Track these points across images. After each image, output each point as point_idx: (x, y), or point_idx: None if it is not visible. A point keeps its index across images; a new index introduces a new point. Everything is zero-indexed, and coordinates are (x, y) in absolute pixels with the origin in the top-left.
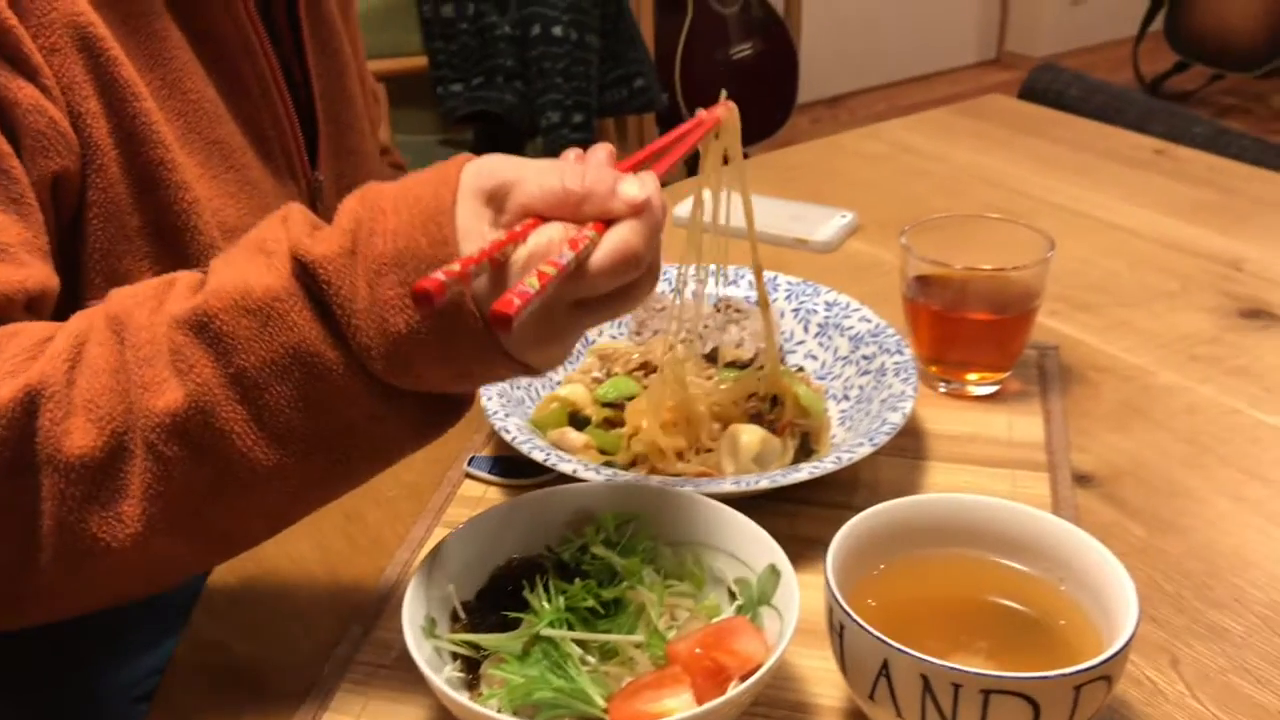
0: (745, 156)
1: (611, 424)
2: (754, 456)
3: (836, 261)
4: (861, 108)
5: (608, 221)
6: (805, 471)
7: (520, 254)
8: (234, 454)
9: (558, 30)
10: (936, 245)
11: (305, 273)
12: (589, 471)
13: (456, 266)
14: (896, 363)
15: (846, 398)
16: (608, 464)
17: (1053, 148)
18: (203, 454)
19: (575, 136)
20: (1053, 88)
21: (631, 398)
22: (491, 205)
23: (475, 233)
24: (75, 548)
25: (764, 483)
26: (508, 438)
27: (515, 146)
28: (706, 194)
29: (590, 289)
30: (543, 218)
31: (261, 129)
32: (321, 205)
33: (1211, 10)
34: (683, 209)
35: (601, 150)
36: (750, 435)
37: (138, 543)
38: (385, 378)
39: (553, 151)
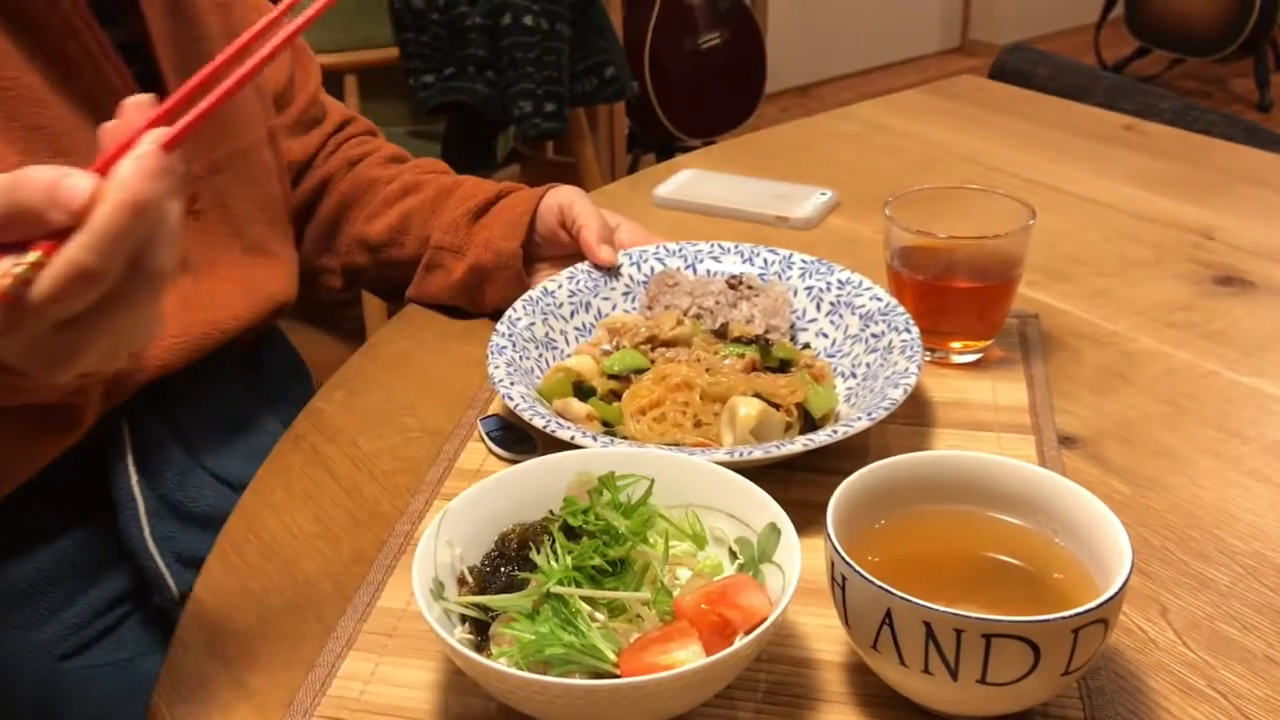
0: (710, 143)
1: (617, 396)
2: (752, 429)
3: (817, 238)
4: (830, 96)
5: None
6: (799, 444)
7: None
8: None
9: (529, 20)
10: (919, 216)
11: None
12: (586, 439)
13: None
14: (904, 340)
15: (853, 375)
16: (608, 434)
17: (1023, 125)
18: None
19: (548, 125)
20: (1021, 68)
21: (638, 370)
22: None
23: None
24: None
25: (758, 454)
26: (510, 404)
27: (488, 137)
28: (688, 173)
29: (46, 316)
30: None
31: (100, 106)
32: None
33: None
34: (664, 188)
35: (130, 106)
36: (749, 408)
37: None
38: None
39: (526, 140)
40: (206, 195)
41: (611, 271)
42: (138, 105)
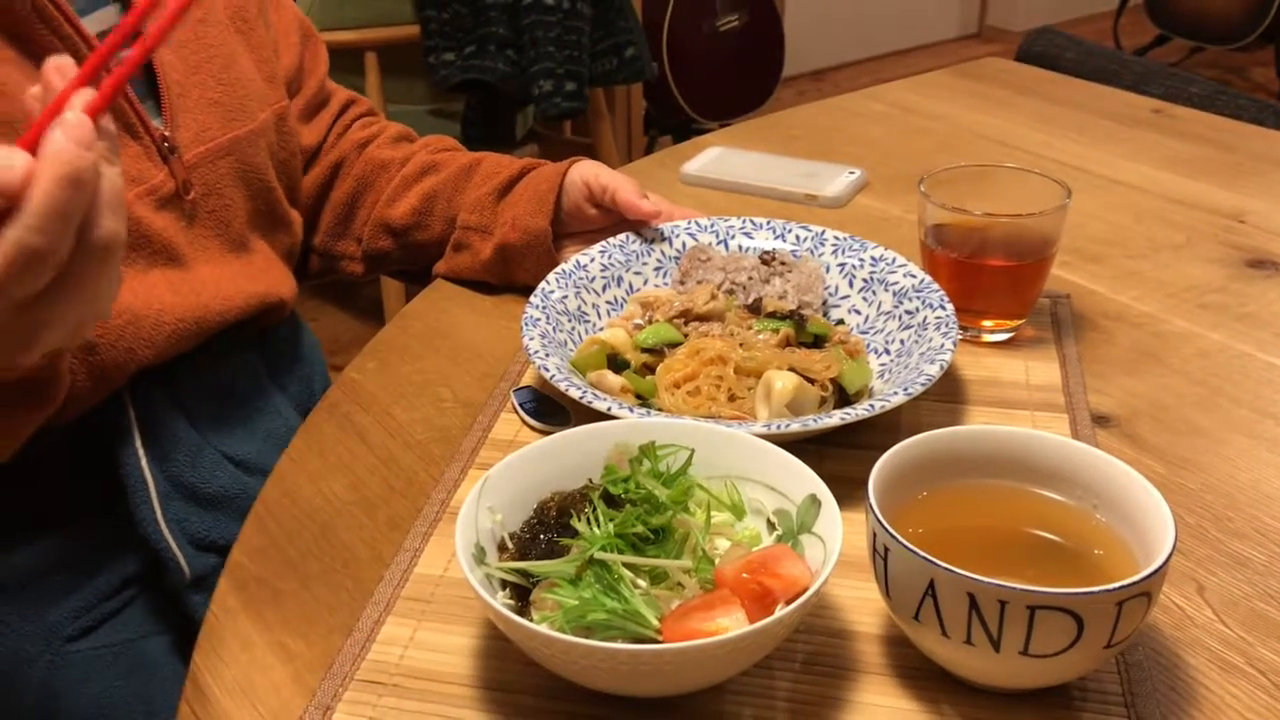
0: (726, 125)
1: (650, 369)
2: (787, 403)
3: (846, 217)
4: (847, 81)
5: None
6: (837, 417)
7: None
8: None
9: None
10: (953, 195)
11: None
12: (622, 410)
13: None
14: (939, 317)
15: (887, 351)
16: (643, 406)
17: (1051, 108)
18: None
19: (568, 105)
20: (1049, 51)
21: (672, 344)
22: None
23: None
24: None
25: (795, 426)
26: (546, 375)
27: (507, 115)
28: (715, 150)
29: (3, 300)
30: None
31: None
32: (176, 160)
33: None
34: (691, 166)
35: (51, 69)
36: (784, 381)
37: None
38: None
39: (545, 120)
40: (199, 185)
41: (646, 242)
42: (58, 69)
